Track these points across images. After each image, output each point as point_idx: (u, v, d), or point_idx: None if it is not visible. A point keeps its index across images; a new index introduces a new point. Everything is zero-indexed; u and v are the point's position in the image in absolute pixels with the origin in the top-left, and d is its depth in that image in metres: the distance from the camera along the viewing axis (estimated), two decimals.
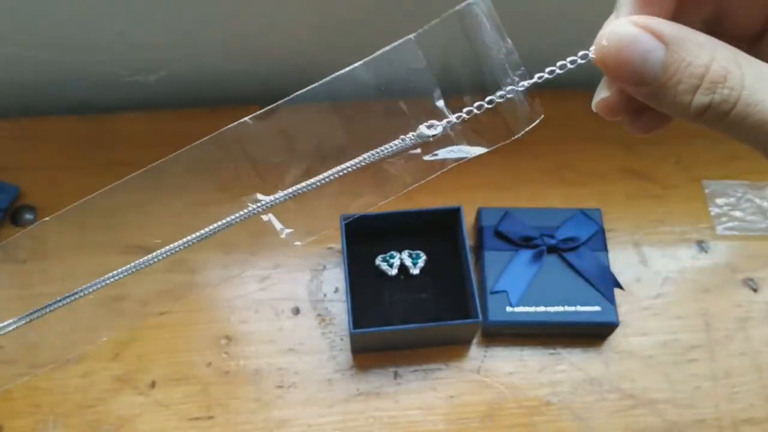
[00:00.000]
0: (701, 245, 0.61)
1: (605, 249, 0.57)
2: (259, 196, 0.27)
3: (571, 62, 0.24)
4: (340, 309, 0.57)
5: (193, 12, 0.59)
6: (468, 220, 0.59)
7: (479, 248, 0.58)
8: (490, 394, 0.54)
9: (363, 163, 0.26)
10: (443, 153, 0.27)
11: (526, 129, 0.26)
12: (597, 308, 0.54)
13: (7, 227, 0.60)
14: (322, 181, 0.27)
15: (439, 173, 0.27)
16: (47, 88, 0.67)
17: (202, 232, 0.29)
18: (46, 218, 0.30)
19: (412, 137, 0.26)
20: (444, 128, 0.26)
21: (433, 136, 0.26)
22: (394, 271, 0.57)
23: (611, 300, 0.54)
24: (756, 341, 0.57)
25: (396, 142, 0.26)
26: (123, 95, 0.68)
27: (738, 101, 0.20)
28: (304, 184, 0.27)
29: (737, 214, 0.62)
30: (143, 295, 0.59)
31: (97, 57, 0.64)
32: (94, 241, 0.62)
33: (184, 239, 0.29)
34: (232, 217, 0.28)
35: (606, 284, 0.55)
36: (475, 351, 0.56)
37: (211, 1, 0.59)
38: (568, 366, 0.55)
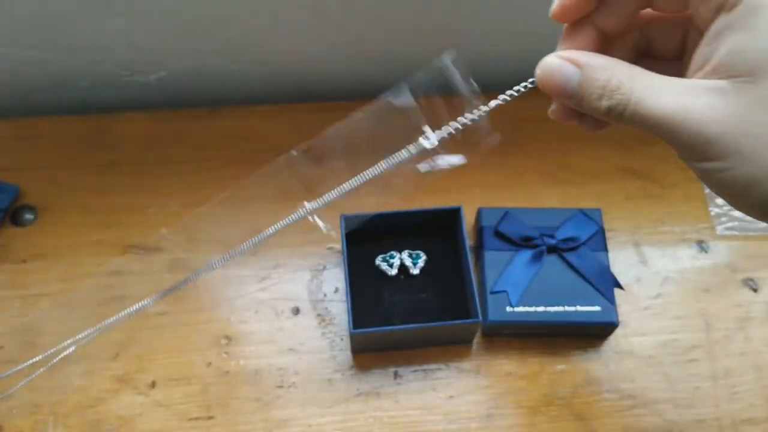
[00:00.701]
0: (701, 245, 0.61)
1: (605, 249, 0.57)
2: (306, 203, 0.37)
3: (524, 87, 0.33)
4: (340, 309, 0.57)
5: (193, 12, 0.59)
6: (468, 220, 0.59)
7: (479, 248, 0.58)
8: (490, 394, 0.54)
9: (380, 171, 0.36)
10: (431, 163, 0.36)
11: (489, 146, 0.36)
12: (597, 308, 0.54)
13: (8, 227, 0.60)
14: (351, 187, 0.36)
15: (427, 181, 0.37)
16: (47, 88, 0.67)
17: (269, 230, 0.38)
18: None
19: (414, 146, 0.36)
20: (439, 141, 0.35)
21: (431, 147, 0.35)
22: (394, 271, 0.57)
23: (611, 300, 0.54)
24: (756, 341, 0.57)
25: (403, 152, 0.36)
26: (123, 95, 0.68)
27: (629, 103, 0.29)
28: (338, 190, 0.36)
29: (737, 213, 0.62)
30: (143, 295, 0.59)
31: (97, 57, 0.64)
32: (93, 240, 0.62)
33: (256, 238, 0.38)
34: (289, 218, 0.37)
35: (606, 284, 0.55)
36: (475, 351, 0.56)
37: (211, 1, 0.59)
38: (568, 366, 0.55)
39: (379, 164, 0.36)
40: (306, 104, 0.67)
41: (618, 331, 0.56)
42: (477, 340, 0.56)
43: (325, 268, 0.59)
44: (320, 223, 0.37)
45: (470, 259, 0.54)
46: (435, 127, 0.35)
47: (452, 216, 0.57)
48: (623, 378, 0.55)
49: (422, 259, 0.58)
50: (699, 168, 0.29)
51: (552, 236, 0.57)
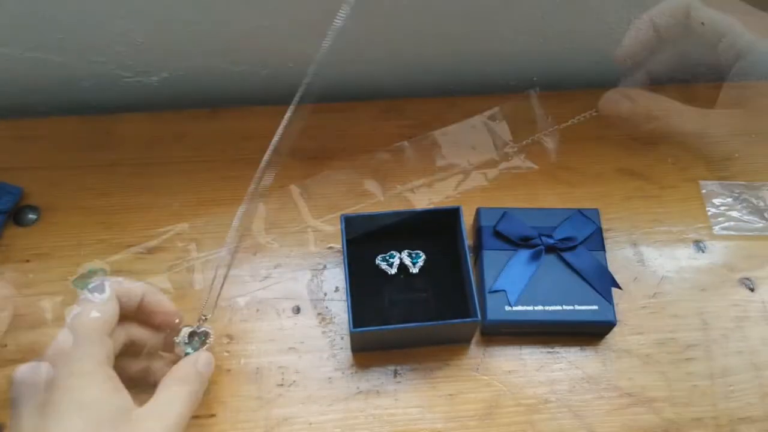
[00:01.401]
0: (698, 245, 0.62)
1: (603, 249, 0.57)
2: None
3: (589, 114, 0.48)
4: (340, 308, 0.58)
5: (194, 13, 0.60)
6: (467, 220, 0.59)
7: (478, 248, 0.58)
8: (489, 393, 0.54)
9: (474, 164, 0.53)
10: (509, 165, 0.53)
11: (553, 156, 0.54)
12: (595, 307, 0.54)
13: (10, 227, 0.60)
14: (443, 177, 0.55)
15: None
16: (48, 88, 0.67)
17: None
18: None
19: (500, 153, 0.52)
20: (518, 149, 0.51)
21: (513, 150, 0.51)
22: (393, 271, 0.58)
23: (609, 299, 0.55)
24: (753, 340, 0.57)
25: (494, 155, 0.53)
26: (124, 96, 0.69)
27: (665, 126, 0.45)
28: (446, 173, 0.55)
29: (734, 214, 0.63)
30: None
31: (99, 58, 0.64)
32: (95, 240, 0.62)
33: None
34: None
35: (604, 283, 0.55)
36: (474, 350, 0.56)
37: (212, 2, 0.59)
38: (566, 364, 0.55)
39: (473, 158, 0.53)
40: (306, 105, 0.67)
41: (616, 330, 0.56)
42: (476, 339, 0.56)
43: (325, 267, 0.60)
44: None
45: (469, 258, 0.55)
46: (516, 139, 0.53)
47: (451, 216, 0.57)
48: (621, 376, 0.55)
49: (422, 258, 0.58)
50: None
51: (550, 236, 0.57)
